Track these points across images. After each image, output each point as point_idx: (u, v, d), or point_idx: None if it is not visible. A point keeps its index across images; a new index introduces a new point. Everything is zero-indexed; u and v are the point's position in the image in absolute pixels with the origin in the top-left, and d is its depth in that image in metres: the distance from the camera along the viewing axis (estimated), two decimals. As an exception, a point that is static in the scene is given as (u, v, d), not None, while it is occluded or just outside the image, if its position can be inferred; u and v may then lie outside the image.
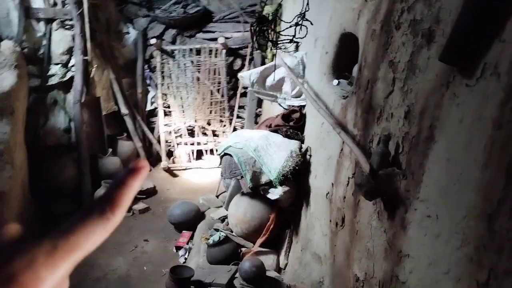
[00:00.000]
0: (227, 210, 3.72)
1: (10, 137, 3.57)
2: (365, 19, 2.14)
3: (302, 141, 3.25)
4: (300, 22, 2.25)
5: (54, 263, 0.31)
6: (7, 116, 3.55)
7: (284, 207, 3.18)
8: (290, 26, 2.33)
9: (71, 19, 4.70)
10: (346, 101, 2.34)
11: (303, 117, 3.37)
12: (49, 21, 4.67)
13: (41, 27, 4.66)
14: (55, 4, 4.73)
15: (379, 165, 1.63)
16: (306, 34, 2.39)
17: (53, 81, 4.74)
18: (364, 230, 1.92)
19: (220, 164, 3.49)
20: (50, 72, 4.73)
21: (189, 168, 5.90)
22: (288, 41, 2.50)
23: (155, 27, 6.13)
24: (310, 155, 3.01)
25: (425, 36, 1.50)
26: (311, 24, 2.41)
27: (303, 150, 3.12)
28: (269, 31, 2.60)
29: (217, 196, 4.69)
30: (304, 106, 3.41)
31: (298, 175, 3.02)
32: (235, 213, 3.36)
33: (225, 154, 3.30)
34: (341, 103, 2.41)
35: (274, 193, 3.04)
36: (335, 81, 2.70)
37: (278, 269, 3.18)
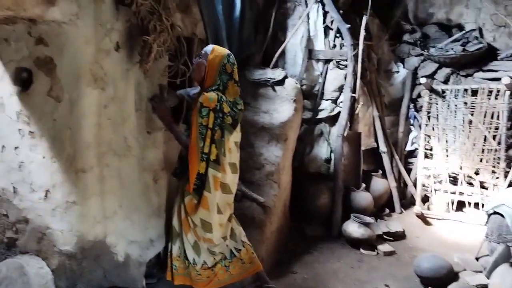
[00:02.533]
0: (488, 278, 3.11)
1: (281, 160, 4.16)
2: None
3: None
4: None
5: None
6: (281, 142, 4.18)
7: None
8: None
9: (345, 60, 5.10)
10: None
11: None
12: (326, 61, 5.23)
13: (319, 67, 5.25)
14: (334, 46, 5.26)
15: None
16: None
17: (322, 114, 5.24)
18: None
19: (487, 223, 2.96)
20: (320, 107, 5.25)
21: (446, 219, 5.30)
22: None
23: (427, 66, 5.91)
24: None
25: None
26: None
27: None
28: None
29: (477, 259, 3.98)
30: None
31: None
32: (500, 285, 2.76)
33: (495, 212, 2.78)
34: None
35: (563, 275, 2.32)
36: None
37: None
